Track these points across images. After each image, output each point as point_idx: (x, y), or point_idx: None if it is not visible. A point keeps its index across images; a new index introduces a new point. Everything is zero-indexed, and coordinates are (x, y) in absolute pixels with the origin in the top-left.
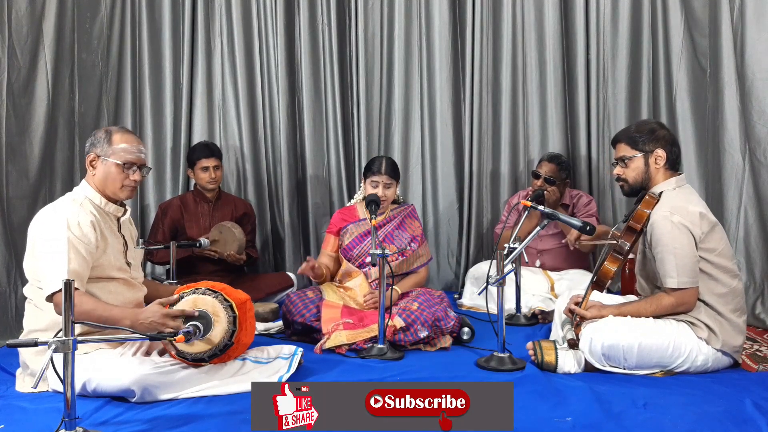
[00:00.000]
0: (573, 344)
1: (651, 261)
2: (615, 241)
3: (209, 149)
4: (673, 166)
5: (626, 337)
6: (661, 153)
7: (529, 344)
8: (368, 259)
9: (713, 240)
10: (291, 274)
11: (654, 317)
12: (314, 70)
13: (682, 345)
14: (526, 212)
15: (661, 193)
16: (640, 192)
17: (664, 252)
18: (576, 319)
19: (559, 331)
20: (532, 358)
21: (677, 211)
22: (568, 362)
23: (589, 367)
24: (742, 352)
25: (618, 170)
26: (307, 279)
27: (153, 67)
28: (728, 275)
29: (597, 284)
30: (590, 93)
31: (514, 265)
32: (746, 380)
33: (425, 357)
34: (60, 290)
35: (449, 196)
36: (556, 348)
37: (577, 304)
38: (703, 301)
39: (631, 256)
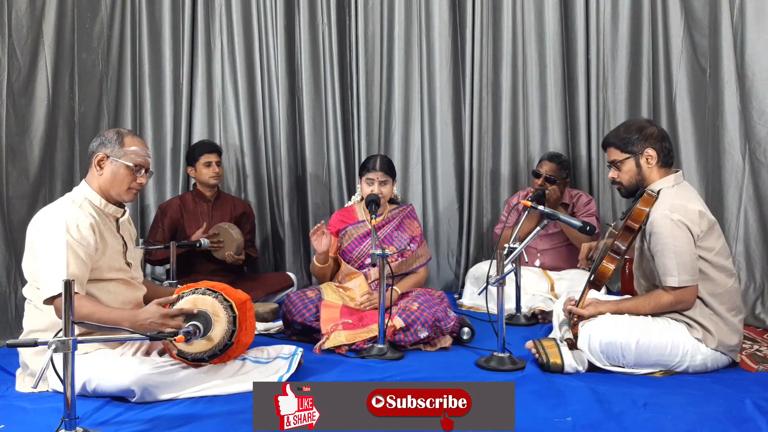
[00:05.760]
0: (571, 344)
1: (649, 259)
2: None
3: (211, 144)
4: (666, 162)
5: (624, 335)
6: (651, 152)
7: (529, 343)
8: (368, 261)
9: (711, 239)
10: (291, 274)
11: (652, 315)
12: (314, 70)
13: (680, 344)
14: (526, 212)
15: (659, 190)
16: (637, 192)
17: (664, 250)
18: (573, 318)
19: (557, 332)
20: (536, 357)
21: (677, 209)
22: (574, 360)
23: (592, 367)
24: (738, 351)
25: (612, 173)
26: (307, 278)
27: (153, 67)
28: (725, 274)
29: (594, 284)
30: (590, 93)
31: (514, 265)
32: (746, 380)
33: (425, 357)
34: (59, 294)
35: (449, 196)
36: (558, 346)
37: (574, 304)
38: (701, 299)
39: (627, 256)
